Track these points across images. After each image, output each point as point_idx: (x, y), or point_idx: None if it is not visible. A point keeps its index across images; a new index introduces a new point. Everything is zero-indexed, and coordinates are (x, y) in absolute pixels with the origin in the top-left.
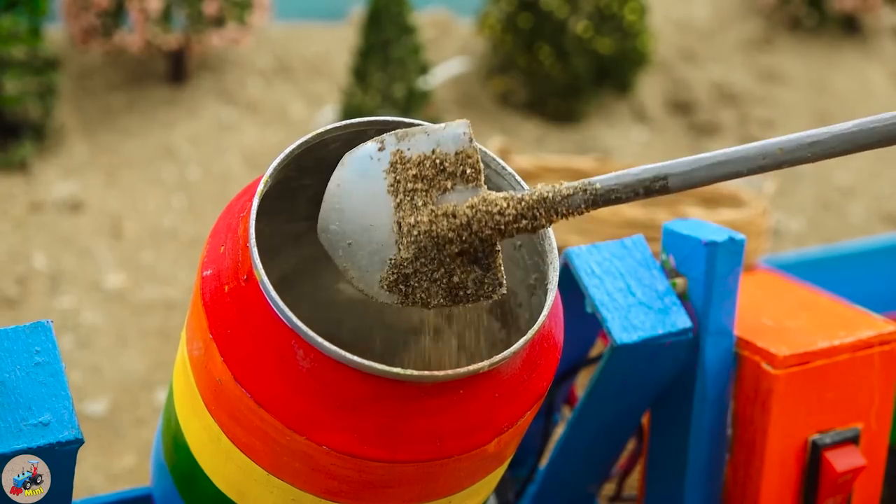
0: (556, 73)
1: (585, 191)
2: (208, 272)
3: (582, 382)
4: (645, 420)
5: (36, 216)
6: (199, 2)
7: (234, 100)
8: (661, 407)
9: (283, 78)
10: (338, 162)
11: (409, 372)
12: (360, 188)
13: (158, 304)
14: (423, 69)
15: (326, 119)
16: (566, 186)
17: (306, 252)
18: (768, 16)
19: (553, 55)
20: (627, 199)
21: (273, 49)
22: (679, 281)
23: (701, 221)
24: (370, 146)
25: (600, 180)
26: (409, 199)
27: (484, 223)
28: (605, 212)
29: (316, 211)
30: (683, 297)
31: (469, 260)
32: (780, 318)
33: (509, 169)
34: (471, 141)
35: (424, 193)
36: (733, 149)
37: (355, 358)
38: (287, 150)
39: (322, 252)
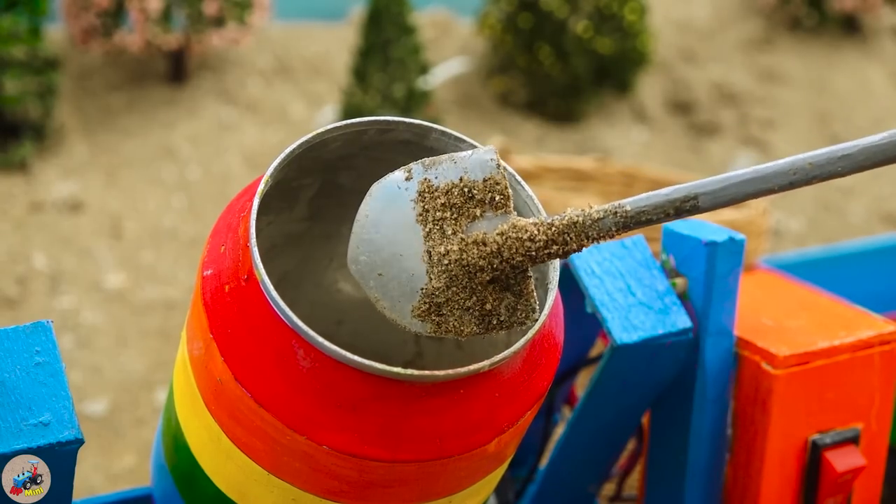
0: (556, 73)
1: (615, 213)
2: (209, 272)
3: (582, 382)
4: (645, 420)
5: (36, 216)
6: (199, 2)
7: (234, 100)
8: (662, 407)
9: (283, 78)
10: (338, 161)
11: (409, 371)
12: (389, 218)
13: (158, 304)
14: (424, 69)
15: (326, 119)
16: (596, 210)
17: (307, 252)
18: (768, 16)
19: (553, 55)
20: (658, 221)
21: (273, 49)
22: (679, 281)
23: (701, 221)
24: (397, 175)
25: (630, 202)
26: (438, 227)
27: (515, 250)
28: None
29: (316, 210)
30: (683, 297)
31: (501, 287)
32: (780, 318)
33: (510, 169)
34: (498, 167)
35: (454, 222)
36: (763, 166)
37: (356, 357)
38: (287, 150)
39: (322, 251)
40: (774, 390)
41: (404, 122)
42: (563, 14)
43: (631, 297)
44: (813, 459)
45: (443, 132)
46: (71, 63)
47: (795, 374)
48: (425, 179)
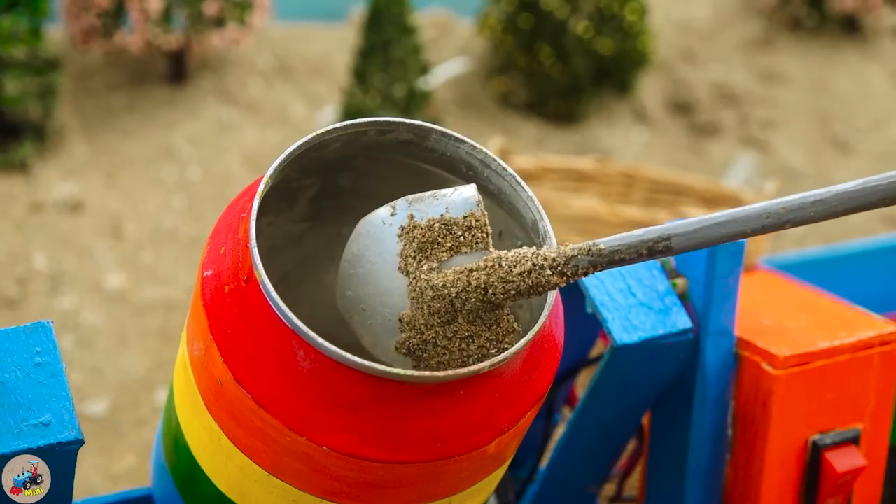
0: (556, 74)
1: (590, 252)
2: (209, 273)
3: (582, 383)
4: (645, 420)
5: (36, 216)
6: (200, 2)
7: (234, 100)
8: (662, 407)
9: (284, 78)
10: (338, 162)
11: (409, 372)
12: (373, 254)
13: (158, 305)
14: (424, 69)
15: (327, 119)
16: (571, 248)
17: (307, 252)
18: (768, 16)
19: (553, 55)
20: (632, 261)
21: (273, 49)
22: (679, 281)
23: None
24: (382, 211)
25: (605, 242)
26: (418, 262)
27: (495, 287)
28: (604, 212)
29: (316, 211)
30: (684, 298)
31: (478, 321)
32: (780, 319)
33: (510, 170)
34: (478, 204)
35: (434, 257)
36: (736, 210)
37: (356, 359)
38: (287, 151)
39: (323, 252)
40: (775, 391)
41: (405, 123)
42: (564, 14)
43: (631, 297)
44: (813, 460)
45: (443, 133)
46: (71, 63)
47: (796, 375)
48: (410, 215)
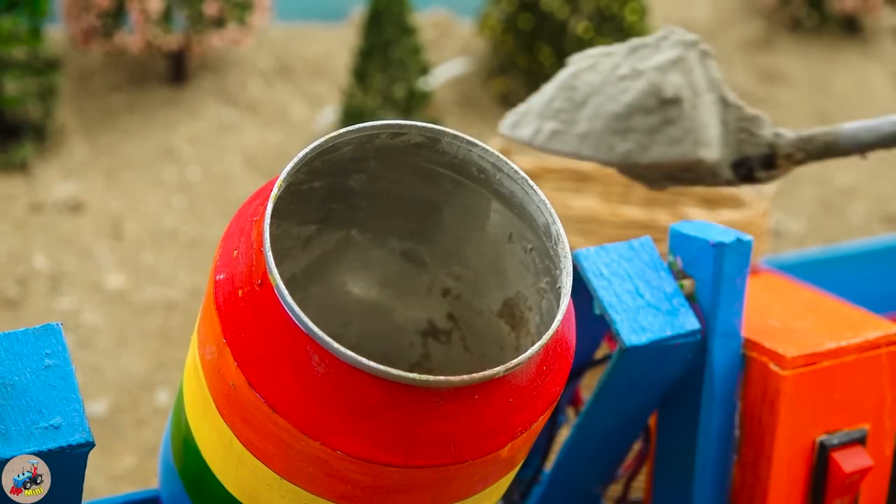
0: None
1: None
2: (221, 276)
3: (587, 383)
4: (652, 421)
5: (36, 217)
6: (200, 2)
7: (234, 100)
8: (669, 408)
9: (284, 79)
10: (348, 164)
11: (425, 377)
12: None
13: (159, 305)
14: (424, 70)
15: (327, 120)
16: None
17: (315, 254)
18: (769, 16)
19: (554, 56)
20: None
21: (273, 50)
22: (687, 282)
23: (707, 223)
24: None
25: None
26: None
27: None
28: (605, 213)
29: (326, 213)
30: (691, 299)
31: None
32: (786, 320)
33: (522, 173)
34: None
35: None
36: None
37: (371, 363)
38: (300, 154)
39: (331, 255)
40: (782, 391)
41: (417, 126)
42: (564, 15)
43: (639, 298)
44: (820, 460)
45: (455, 136)
46: (71, 64)
47: (803, 375)
48: None
